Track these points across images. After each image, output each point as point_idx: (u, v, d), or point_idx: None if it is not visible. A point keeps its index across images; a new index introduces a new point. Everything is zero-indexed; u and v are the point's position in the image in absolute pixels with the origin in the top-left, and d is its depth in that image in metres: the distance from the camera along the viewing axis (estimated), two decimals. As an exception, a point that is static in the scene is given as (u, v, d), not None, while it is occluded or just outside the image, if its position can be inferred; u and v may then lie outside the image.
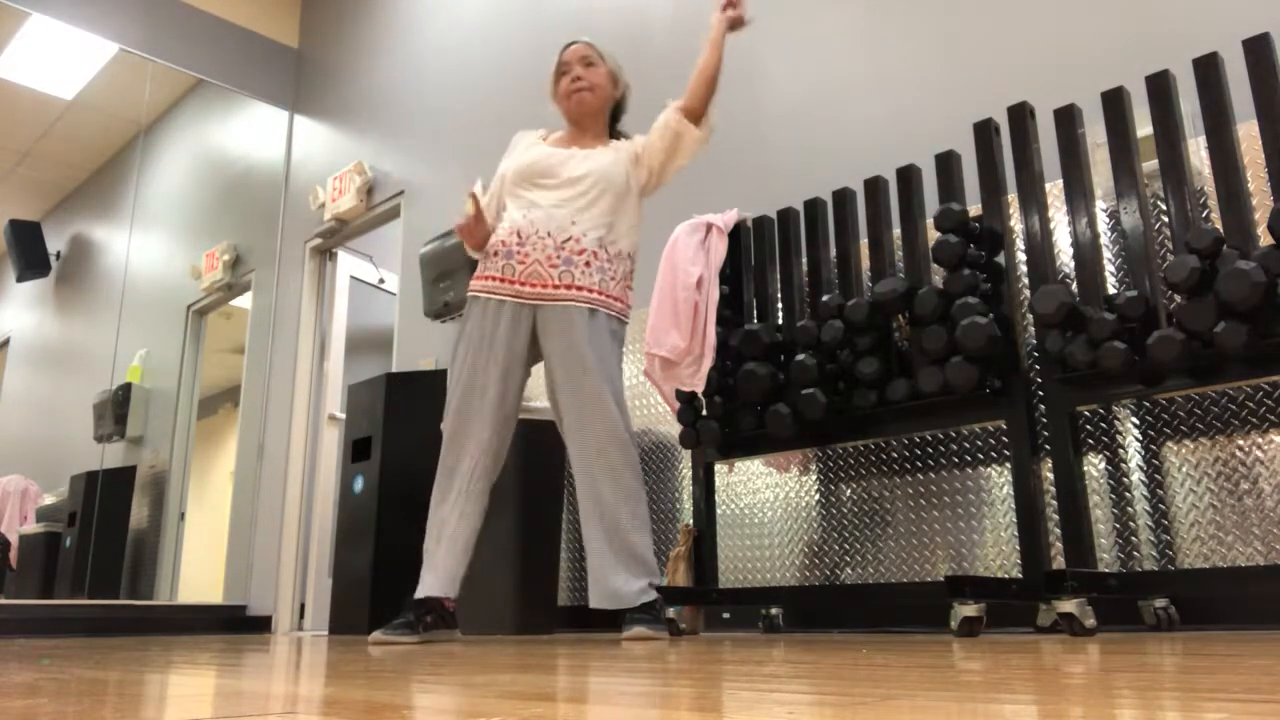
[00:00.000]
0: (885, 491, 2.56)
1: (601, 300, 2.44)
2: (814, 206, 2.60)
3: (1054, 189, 2.37)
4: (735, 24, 2.50)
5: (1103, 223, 2.27)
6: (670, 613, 2.50)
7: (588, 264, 2.44)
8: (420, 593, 2.36)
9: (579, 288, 2.43)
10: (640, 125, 3.67)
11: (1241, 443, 1.99)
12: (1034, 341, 2.23)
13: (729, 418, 2.59)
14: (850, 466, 2.65)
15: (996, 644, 1.56)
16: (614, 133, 2.69)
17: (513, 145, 2.69)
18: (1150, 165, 2.14)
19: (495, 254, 2.49)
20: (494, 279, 2.48)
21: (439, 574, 2.37)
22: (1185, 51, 2.26)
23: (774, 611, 2.60)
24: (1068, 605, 1.74)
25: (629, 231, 2.55)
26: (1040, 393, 2.25)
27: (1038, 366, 2.24)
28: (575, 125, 2.64)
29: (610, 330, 2.44)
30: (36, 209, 5.34)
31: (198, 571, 5.28)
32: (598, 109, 2.61)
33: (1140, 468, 2.12)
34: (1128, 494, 2.13)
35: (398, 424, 3.68)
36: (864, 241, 2.70)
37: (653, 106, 3.54)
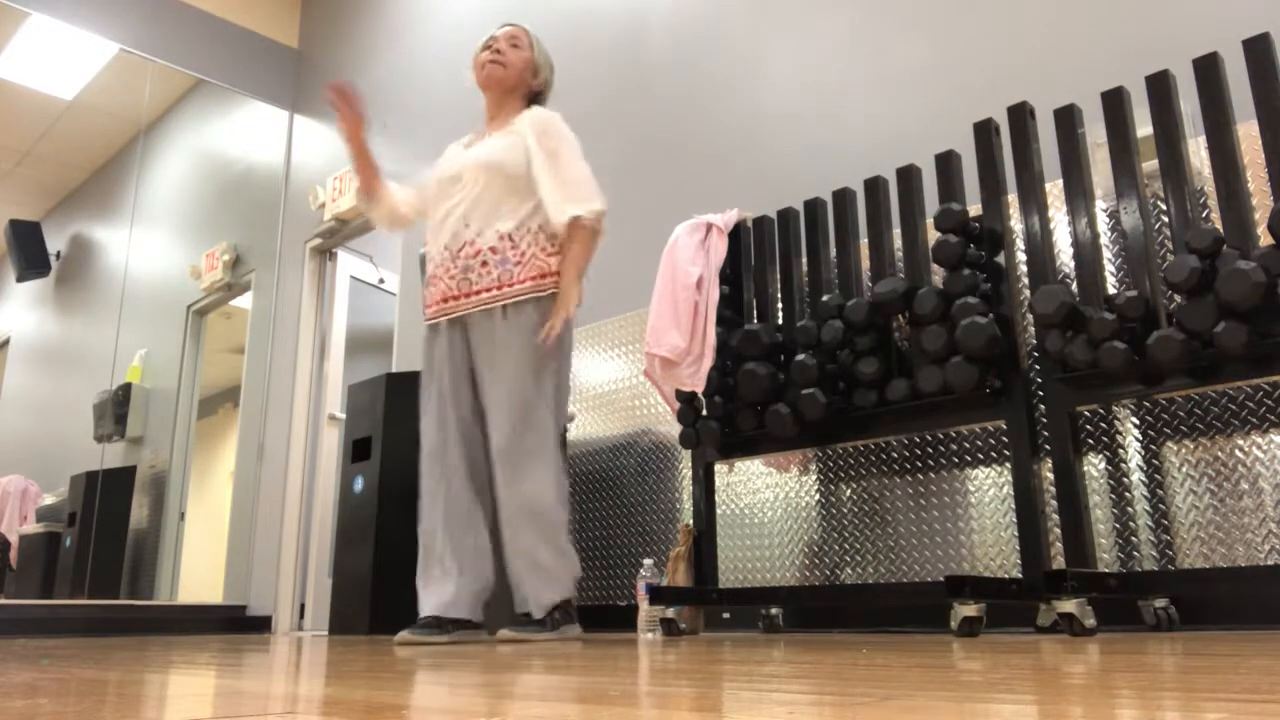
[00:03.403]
0: (885, 491, 2.56)
1: (501, 295, 2.40)
2: (814, 206, 2.60)
3: (1054, 189, 2.37)
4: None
5: (1103, 223, 2.27)
6: (670, 613, 2.51)
7: (484, 264, 2.42)
8: (428, 611, 2.35)
9: (476, 292, 2.42)
10: (638, 131, 3.67)
11: (1241, 443, 1.99)
12: (1034, 341, 2.23)
13: (729, 418, 2.59)
14: (850, 466, 2.65)
15: (996, 644, 1.56)
16: None
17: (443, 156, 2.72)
18: (1150, 165, 2.14)
19: (424, 283, 2.58)
20: (425, 307, 2.56)
21: (447, 596, 2.37)
22: (1185, 51, 2.26)
23: (774, 611, 2.60)
24: (1068, 605, 1.74)
25: (534, 206, 2.47)
26: (1040, 393, 2.25)
27: (1038, 366, 2.24)
28: (488, 100, 2.63)
29: (522, 320, 2.39)
30: (36, 209, 5.34)
31: (198, 571, 5.28)
32: (506, 85, 2.58)
33: (1140, 468, 2.12)
34: (1128, 494, 2.13)
35: (398, 424, 3.68)
36: (864, 241, 2.70)
37: (652, 107, 3.55)
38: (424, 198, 2.65)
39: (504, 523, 2.37)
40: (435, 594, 2.37)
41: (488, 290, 2.41)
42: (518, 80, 2.59)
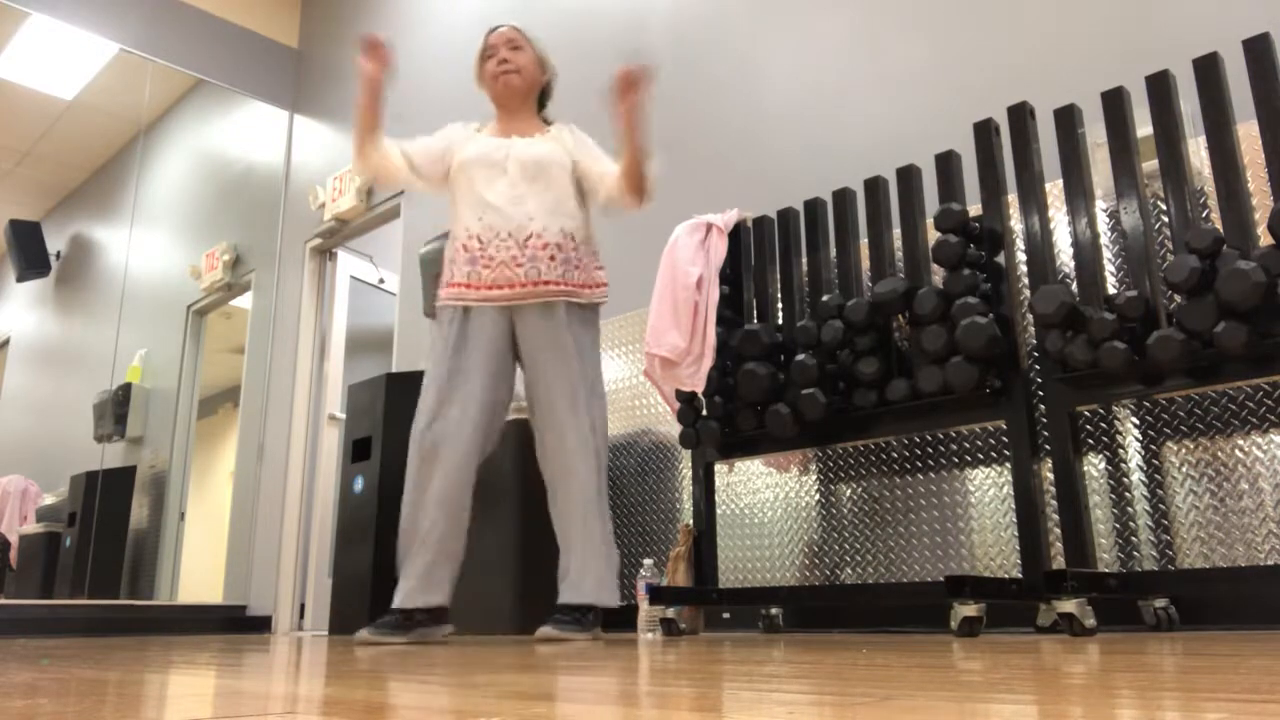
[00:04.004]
0: (885, 491, 2.56)
1: (572, 291, 2.46)
2: (814, 206, 2.60)
3: (1054, 189, 2.37)
4: (629, 107, 2.35)
5: (1103, 223, 2.27)
6: (670, 613, 2.51)
7: (552, 258, 2.45)
8: (404, 603, 2.31)
9: (546, 283, 2.44)
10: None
11: (1241, 443, 1.99)
12: (1034, 341, 2.23)
13: (729, 418, 2.59)
14: (850, 466, 2.65)
15: (996, 644, 1.56)
16: (543, 119, 2.70)
17: (446, 134, 2.63)
18: (1150, 165, 2.14)
19: (457, 260, 2.48)
20: (461, 285, 2.45)
21: (425, 582, 2.33)
22: (1185, 51, 2.26)
23: (774, 611, 2.60)
24: (1068, 605, 1.74)
25: (584, 210, 2.58)
26: (1040, 393, 2.25)
27: (1038, 366, 2.24)
28: (503, 109, 2.63)
29: (586, 320, 2.50)
30: (36, 209, 5.34)
31: (198, 571, 5.28)
32: (524, 92, 2.61)
33: (1140, 468, 2.12)
34: (1128, 494, 2.13)
35: (398, 424, 3.68)
36: (864, 241, 2.70)
37: (652, 107, 3.54)
38: (428, 165, 2.57)
39: (573, 509, 2.38)
40: (415, 577, 2.32)
41: (557, 284, 2.44)
42: (533, 84, 2.63)
